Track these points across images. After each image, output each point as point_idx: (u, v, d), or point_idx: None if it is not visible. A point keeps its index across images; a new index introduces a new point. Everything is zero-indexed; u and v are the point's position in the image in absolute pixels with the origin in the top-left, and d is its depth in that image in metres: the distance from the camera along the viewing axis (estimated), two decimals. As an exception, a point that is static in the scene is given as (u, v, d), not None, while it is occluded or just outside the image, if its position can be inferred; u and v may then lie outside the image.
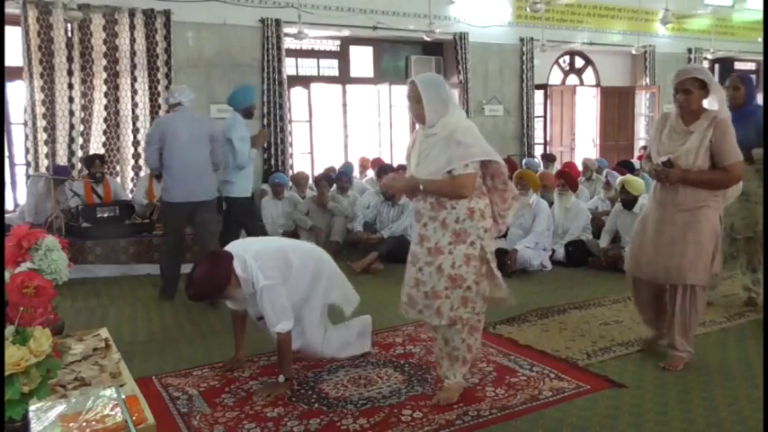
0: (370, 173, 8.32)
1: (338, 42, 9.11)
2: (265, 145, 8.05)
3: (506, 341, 3.78)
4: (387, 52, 9.55)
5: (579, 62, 11.43)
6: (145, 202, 6.41)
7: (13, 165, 7.20)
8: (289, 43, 8.31)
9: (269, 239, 3.44)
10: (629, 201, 5.54)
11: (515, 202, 2.98)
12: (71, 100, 6.90)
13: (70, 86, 6.88)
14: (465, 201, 2.78)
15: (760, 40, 11.81)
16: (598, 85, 11.37)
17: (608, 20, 10.71)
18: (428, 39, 8.83)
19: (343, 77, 9.21)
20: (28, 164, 6.84)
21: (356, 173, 8.35)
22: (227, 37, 7.76)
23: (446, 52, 9.67)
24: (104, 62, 7.04)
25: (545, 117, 10.88)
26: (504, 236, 6.04)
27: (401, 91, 9.70)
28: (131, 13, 7.11)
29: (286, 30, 7.99)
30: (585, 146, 11.28)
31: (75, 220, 5.88)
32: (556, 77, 11.17)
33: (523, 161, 9.17)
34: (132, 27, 7.13)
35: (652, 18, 10.95)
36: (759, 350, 3.48)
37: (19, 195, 7.15)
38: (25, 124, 6.79)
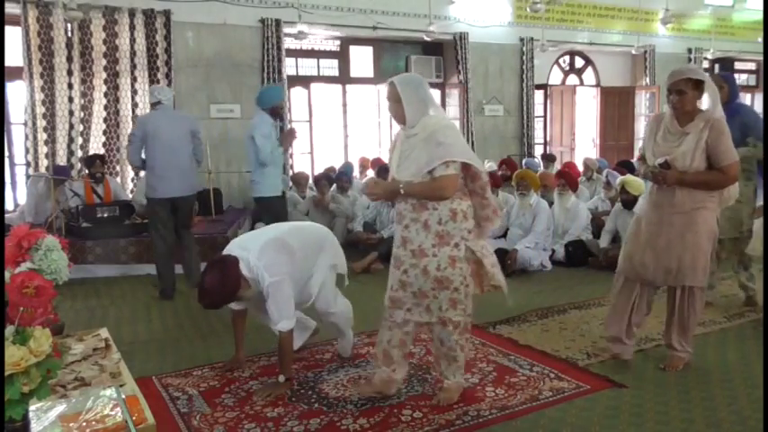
0: (371, 173, 8.32)
1: (338, 42, 9.11)
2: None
3: (506, 341, 3.78)
4: (387, 52, 9.55)
5: (579, 62, 11.43)
6: (145, 202, 6.40)
7: (13, 165, 7.21)
8: (289, 43, 8.31)
9: (265, 231, 3.41)
10: (629, 201, 5.54)
11: (495, 217, 2.91)
12: (71, 100, 6.90)
13: (70, 86, 6.88)
14: (447, 202, 2.77)
15: (760, 40, 11.82)
16: (598, 85, 11.37)
17: (608, 20, 10.71)
18: (428, 39, 8.83)
19: (343, 77, 9.21)
20: (28, 164, 6.85)
21: (356, 173, 8.35)
22: (227, 37, 7.77)
23: (446, 52, 9.68)
24: (104, 62, 7.05)
25: (545, 117, 10.89)
26: (504, 236, 6.05)
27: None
28: (131, 13, 7.11)
29: (286, 30, 7.99)
30: (585, 146, 11.28)
31: (76, 220, 5.88)
32: (556, 77, 11.17)
33: (523, 161, 9.18)
34: (132, 27, 7.14)
35: (652, 18, 10.95)
36: (759, 350, 3.48)
37: (19, 195, 7.16)
38: (25, 124, 6.80)
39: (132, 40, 7.15)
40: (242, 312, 3.39)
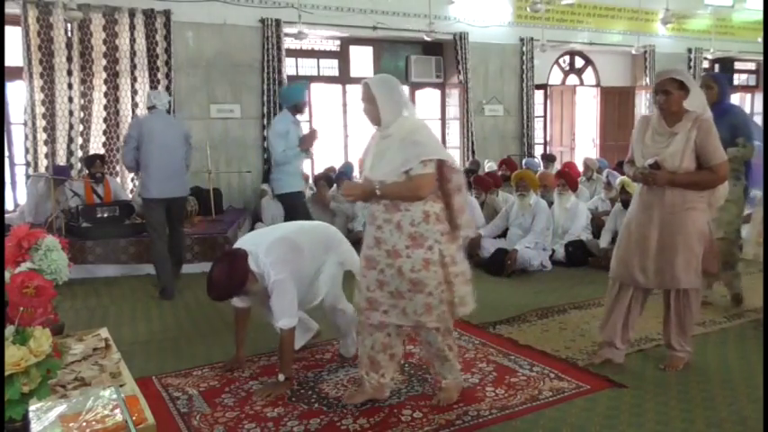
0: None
1: (338, 42, 9.10)
2: (265, 144, 8.04)
3: (506, 341, 3.78)
4: (387, 52, 9.55)
5: (579, 62, 11.42)
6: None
7: (13, 165, 7.21)
8: (289, 43, 8.30)
9: (276, 228, 3.51)
10: (629, 201, 5.47)
11: (468, 226, 2.90)
12: (71, 100, 6.90)
13: (70, 86, 6.88)
14: (420, 203, 2.74)
15: (760, 40, 11.81)
16: (598, 85, 11.37)
17: (608, 20, 10.71)
18: (428, 39, 8.82)
19: (343, 77, 9.20)
20: (28, 164, 6.85)
21: (356, 173, 8.34)
22: (227, 37, 7.76)
23: (446, 52, 9.67)
24: (104, 62, 7.05)
25: (545, 117, 10.88)
26: (504, 236, 6.06)
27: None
28: (131, 13, 7.11)
29: (286, 30, 7.99)
30: (585, 146, 11.28)
31: (76, 220, 5.88)
32: (556, 77, 11.17)
33: (523, 161, 9.18)
34: (132, 27, 7.13)
35: (652, 18, 10.95)
36: (759, 350, 3.48)
37: (19, 195, 7.15)
38: (25, 124, 6.79)
39: (132, 40, 7.14)
40: (245, 312, 3.40)
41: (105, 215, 5.94)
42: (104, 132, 7.18)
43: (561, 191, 6.14)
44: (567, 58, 11.27)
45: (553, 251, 5.86)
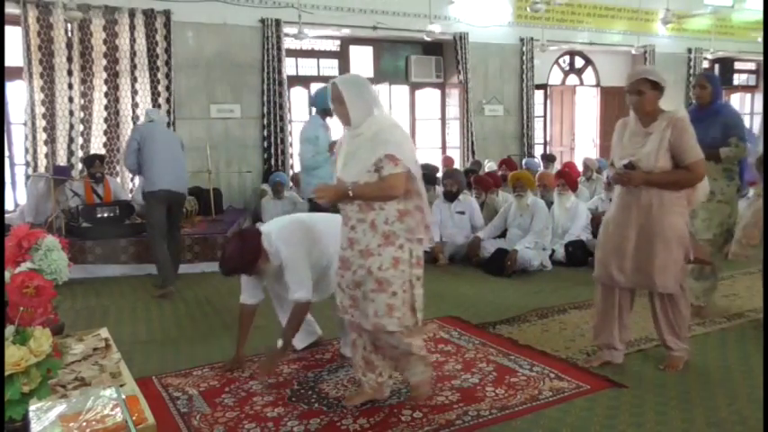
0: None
1: (338, 42, 9.11)
2: (265, 144, 8.05)
3: (506, 341, 3.77)
4: (387, 52, 9.55)
5: (579, 62, 11.43)
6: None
7: (13, 165, 7.21)
8: (289, 43, 8.31)
9: (293, 217, 3.57)
10: (629, 201, 5.53)
11: (425, 234, 2.85)
12: (71, 100, 6.90)
13: (70, 86, 6.88)
14: (394, 202, 2.72)
15: (760, 40, 11.82)
16: (598, 85, 11.38)
17: (608, 20, 10.71)
18: (428, 39, 8.83)
19: (343, 77, 9.20)
20: (28, 164, 6.85)
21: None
22: (227, 37, 7.77)
23: (446, 52, 9.68)
24: (104, 62, 7.05)
25: (545, 117, 10.89)
26: (504, 236, 6.06)
27: (401, 91, 9.71)
28: (131, 14, 7.11)
29: (286, 30, 7.99)
30: (585, 146, 11.28)
31: (75, 220, 5.89)
32: (556, 77, 11.17)
33: (523, 161, 9.18)
34: (132, 27, 7.14)
35: (652, 18, 10.95)
36: (759, 350, 3.48)
37: (19, 195, 7.16)
38: (25, 124, 6.80)
39: (132, 40, 7.15)
40: (251, 310, 3.41)
41: (105, 215, 5.95)
42: (104, 132, 7.18)
43: (561, 191, 6.14)
44: (566, 58, 11.28)
45: (553, 251, 5.86)
